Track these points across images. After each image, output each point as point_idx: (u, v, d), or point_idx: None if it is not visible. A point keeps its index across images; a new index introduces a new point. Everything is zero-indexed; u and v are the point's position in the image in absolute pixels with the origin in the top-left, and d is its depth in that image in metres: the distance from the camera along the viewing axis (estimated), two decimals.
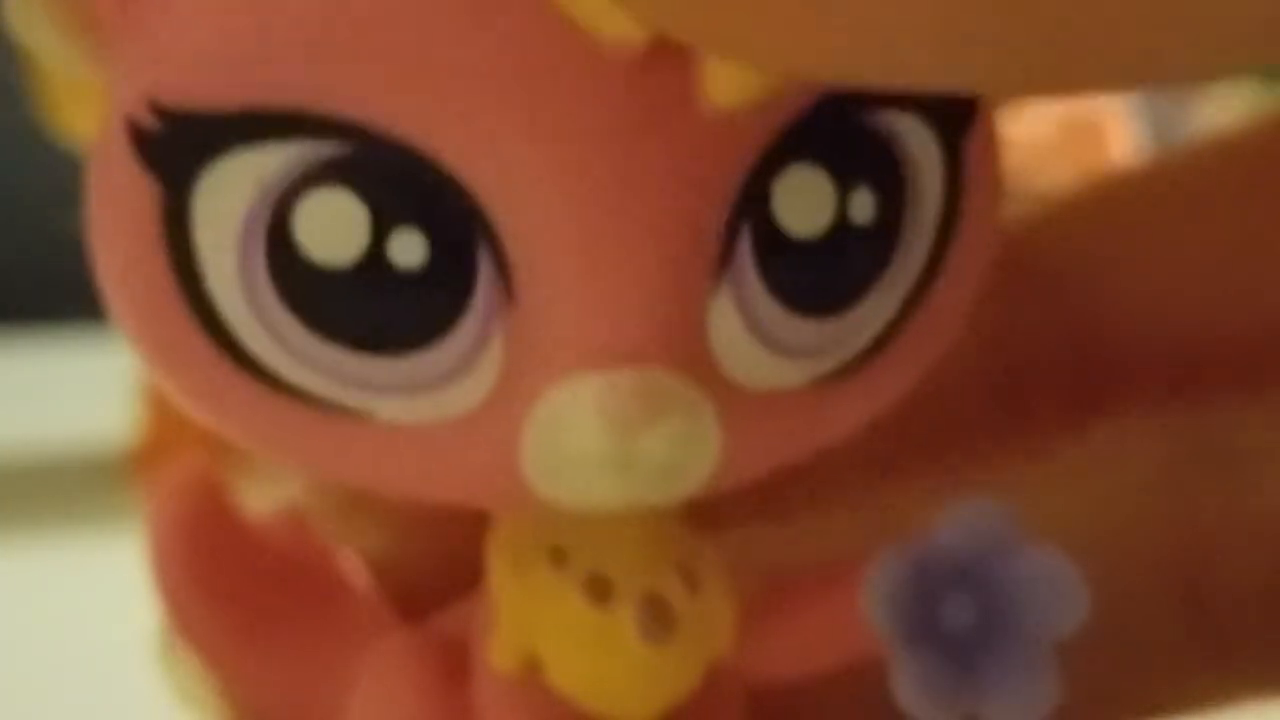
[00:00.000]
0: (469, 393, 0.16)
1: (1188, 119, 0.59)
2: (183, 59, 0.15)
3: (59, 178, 0.49)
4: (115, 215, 0.16)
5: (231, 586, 0.19)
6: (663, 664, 0.18)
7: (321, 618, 0.20)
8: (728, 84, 0.15)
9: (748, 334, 0.16)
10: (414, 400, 0.16)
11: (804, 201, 0.16)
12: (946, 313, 0.17)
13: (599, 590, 0.17)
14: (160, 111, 0.15)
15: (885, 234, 0.16)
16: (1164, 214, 0.23)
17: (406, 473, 0.16)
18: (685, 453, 0.16)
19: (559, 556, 0.18)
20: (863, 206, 0.16)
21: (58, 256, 0.58)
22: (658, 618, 0.18)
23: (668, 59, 0.15)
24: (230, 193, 0.15)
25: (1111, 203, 0.24)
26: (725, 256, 0.16)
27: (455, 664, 0.18)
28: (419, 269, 0.15)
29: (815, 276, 0.16)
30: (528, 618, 0.18)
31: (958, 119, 0.17)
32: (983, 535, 0.18)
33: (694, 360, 0.16)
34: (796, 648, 0.19)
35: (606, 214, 0.15)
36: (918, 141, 0.16)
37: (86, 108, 0.37)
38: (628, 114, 0.15)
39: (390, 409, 0.16)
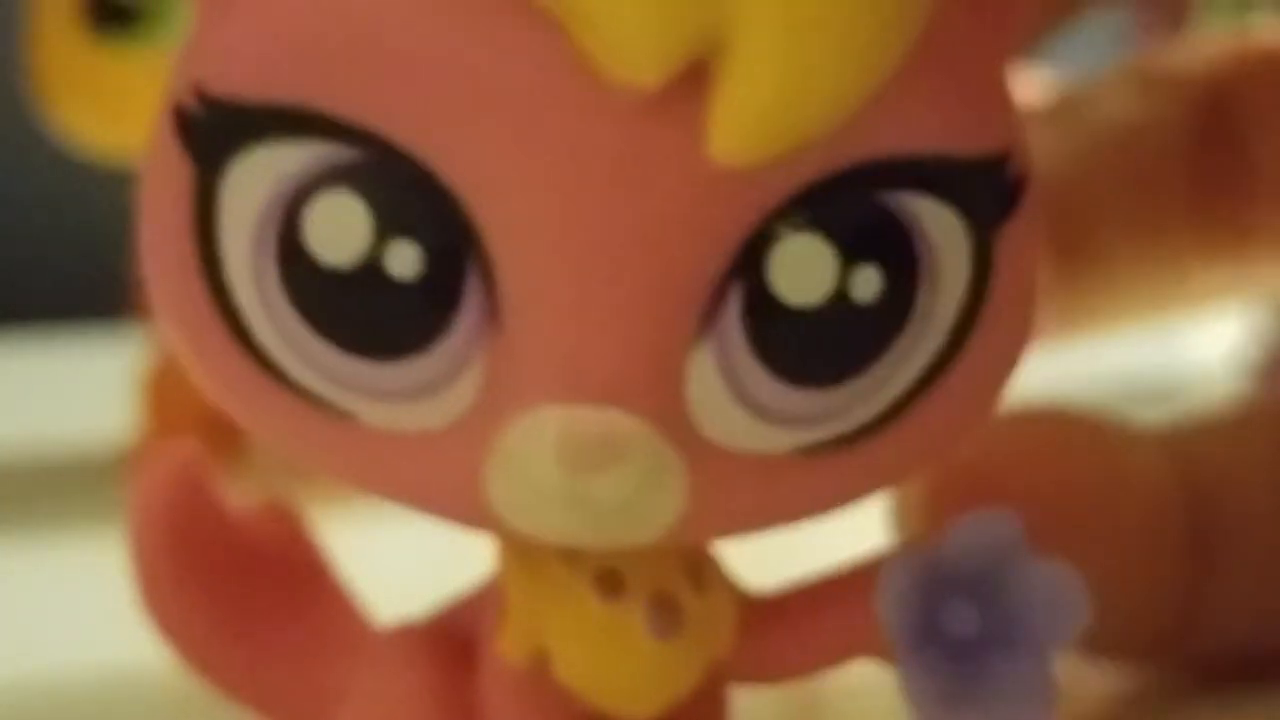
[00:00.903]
0: (445, 409, 0.16)
1: None
2: (231, 51, 0.16)
3: (57, 180, 0.49)
4: (157, 197, 0.17)
5: (213, 578, 0.20)
6: (669, 660, 0.18)
7: (305, 613, 0.20)
8: (734, 141, 0.15)
9: (728, 394, 0.16)
10: (394, 408, 0.16)
11: (802, 271, 0.16)
12: (966, 401, 0.17)
13: (610, 586, 0.18)
14: (205, 98, 0.16)
15: (891, 313, 0.16)
16: None
17: (384, 478, 0.17)
18: (642, 499, 0.16)
19: (572, 553, 0.18)
20: (866, 284, 0.16)
21: (63, 256, 0.57)
22: (666, 614, 0.18)
23: (677, 106, 0.15)
24: (253, 183, 0.16)
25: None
26: (711, 313, 0.16)
27: (460, 658, 0.19)
28: (412, 280, 0.16)
29: (807, 347, 0.16)
30: (538, 611, 0.18)
31: (992, 209, 0.17)
32: (990, 545, 0.18)
33: (666, 411, 0.16)
34: (803, 648, 0.19)
35: (594, 252, 0.15)
36: (942, 227, 0.16)
37: (89, 109, 0.37)
38: (628, 156, 0.15)
39: (372, 414, 0.16)
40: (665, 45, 0.15)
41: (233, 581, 0.20)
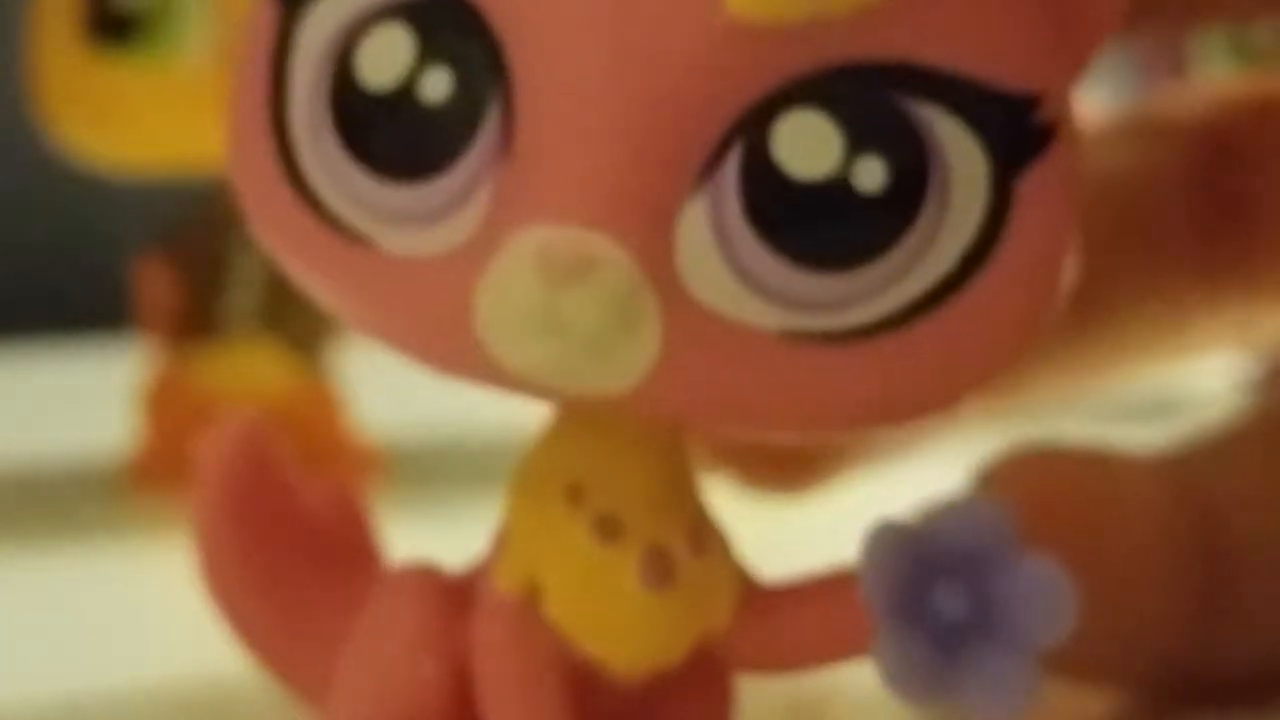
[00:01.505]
0: (452, 233, 0.17)
1: None
2: None
3: (58, 192, 0.49)
4: (247, 45, 0.18)
5: (272, 550, 0.20)
6: (657, 614, 0.18)
7: (350, 592, 0.20)
8: None
9: (717, 251, 0.17)
10: (408, 232, 0.18)
11: (804, 144, 0.16)
12: (967, 345, 0.17)
13: (608, 530, 0.18)
14: None
15: (892, 212, 0.17)
16: None
17: (390, 308, 0.18)
18: (615, 329, 0.17)
19: (575, 493, 0.18)
20: (869, 174, 0.17)
21: (63, 267, 0.57)
22: (659, 566, 0.18)
23: None
24: (324, 22, 0.18)
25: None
26: (711, 167, 0.17)
27: (457, 597, 0.19)
28: (440, 102, 0.17)
29: (800, 221, 0.17)
30: (535, 545, 0.18)
31: (1016, 148, 0.17)
32: (983, 531, 0.18)
33: (650, 250, 0.17)
34: (806, 638, 0.19)
35: (607, 88, 0.17)
36: (959, 148, 0.17)
37: (90, 121, 0.37)
38: (654, 3, 0.16)
39: (389, 238, 0.18)
40: None
41: (291, 558, 0.20)
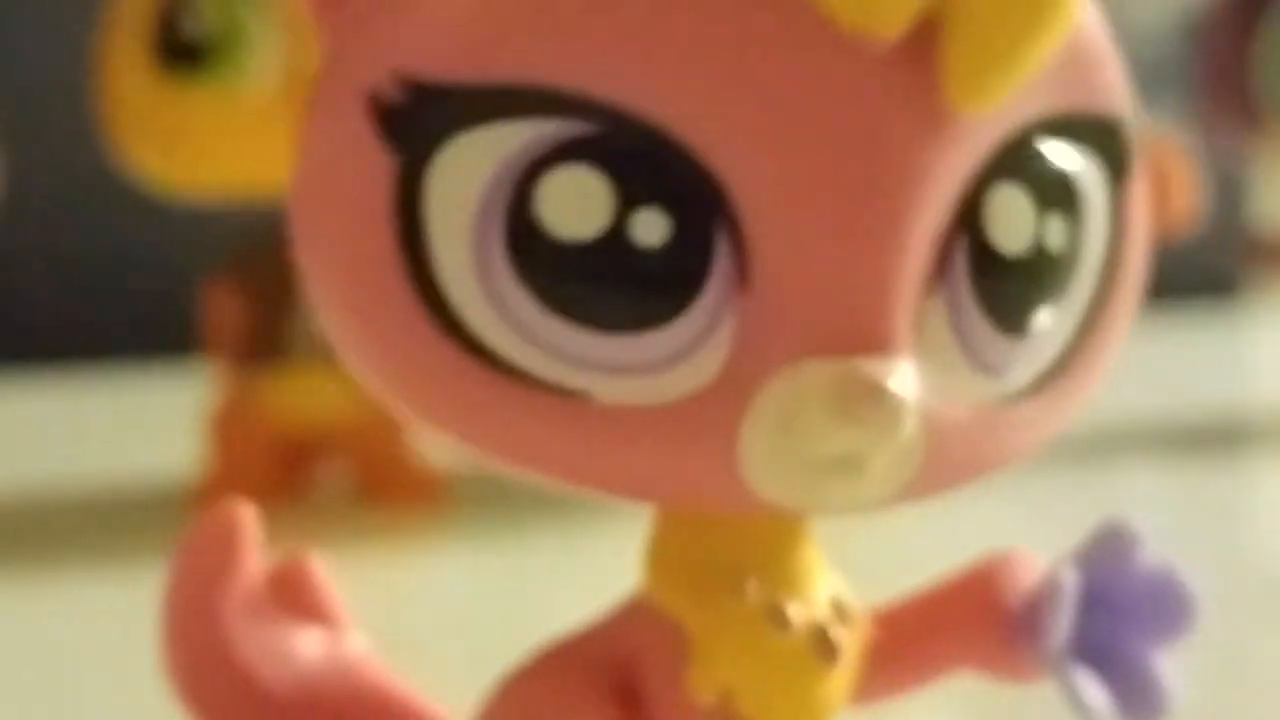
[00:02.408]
0: (693, 376, 0.16)
1: (1244, 166, 0.59)
2: (437, 34, 0.16)
3: (128, 218, 0.49)
4: (338, 195, 0.16)
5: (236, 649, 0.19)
6: (833, 688, 0.18)
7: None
8: (967, 87, 0.16)
9: (955, 343, 0.16)
10: (637, 381, 0.16)
11: (1011, 220, 0.16)
12: (1109, 344, 0.18)
13: (779, 619, 0.18)
14: (408, 84, 0.16)
15: (1070, 261, 0.17)
16: None
17: (616, 461, 0.16)
18: (901, 451, 0.16)
19: (740, 588, 0.18)
20: (1056, 232, 0.17)
21: (134, 293, 0.57)
22: (826, 643, 0.18)
23: (913, 57, 0.16)
24: (470, 168, 0.16)
25: None
26: (944, 261, 0.16)
27: (623, 694, 0.18)
28: (659, 248, 0.16)
29: (1016, 295, 0.17)
30: (723, 649, 0.18)
31: (1121, 166, 0.17)
32: (1111, 551, 0.19)
33: (909, 361, 0.16)
34: (907, 668, 0.20)
35: (847, 205, 0.16)
36: (1092, 180, 0.17)
37: (160, 147, 0.37)
38: (871, 107, 0.16)
39: (612, 391, 0.16)
40: None
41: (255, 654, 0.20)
